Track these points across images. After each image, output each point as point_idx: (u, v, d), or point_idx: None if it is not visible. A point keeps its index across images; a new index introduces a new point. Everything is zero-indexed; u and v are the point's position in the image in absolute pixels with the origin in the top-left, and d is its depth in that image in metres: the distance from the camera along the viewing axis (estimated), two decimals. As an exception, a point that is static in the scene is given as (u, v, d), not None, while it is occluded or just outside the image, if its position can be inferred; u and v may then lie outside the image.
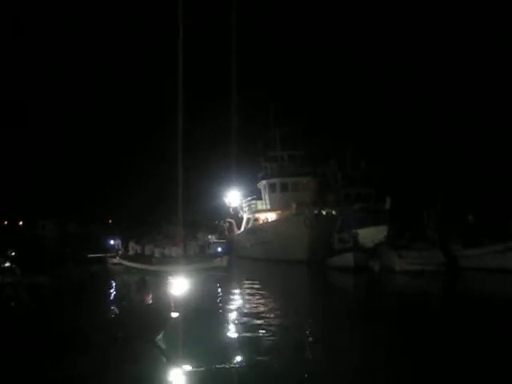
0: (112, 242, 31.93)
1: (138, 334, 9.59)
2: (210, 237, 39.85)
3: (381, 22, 60.07)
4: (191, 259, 24.88)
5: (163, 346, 9.69)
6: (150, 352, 9.36)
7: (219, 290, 18.92)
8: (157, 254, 26.13)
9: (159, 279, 11.42)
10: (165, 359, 9.10)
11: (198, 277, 12.18)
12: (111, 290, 11.45)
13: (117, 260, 28.84)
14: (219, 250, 27.71)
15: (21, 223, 67.61)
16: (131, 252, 28.28)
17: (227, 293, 17.99)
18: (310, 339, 11.42)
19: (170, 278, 11.74)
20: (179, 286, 10.45)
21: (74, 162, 63.87)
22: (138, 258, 27.06)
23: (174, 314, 10.10)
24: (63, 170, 63.02)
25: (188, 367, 8.50)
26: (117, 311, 10.57)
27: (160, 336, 9.98)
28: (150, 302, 10.47)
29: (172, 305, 10.09)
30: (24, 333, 9.43)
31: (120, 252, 29.40)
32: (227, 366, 8.70)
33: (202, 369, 8.42)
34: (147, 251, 26.91)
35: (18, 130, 67.06)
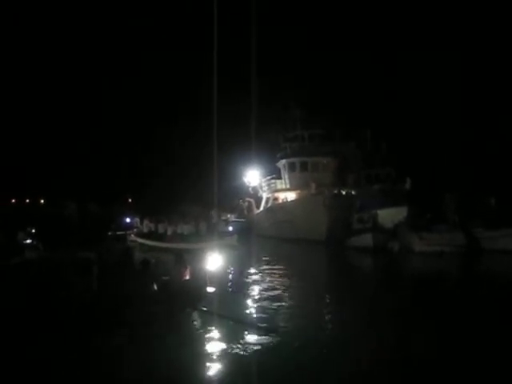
0: (128, 220, 32.53)
1: (178, 307, 10.04)
2: (229, 215, 40.39)
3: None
4: (202, 237, 25.15)
5: (201, 318, 10.06)
6: (189, 324, 9.75)
7: (240, 267, 19.13)
8: (169, 232, 26.46)
9: (180, 256, 11.68)
10: (202, 331, 9.42)
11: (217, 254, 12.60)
12: (148, 266, 11.83)
13: (133, 237, 29.36)
14: (230, 228, 27.92)
15: (42, 202, 68.82)
16: (145, 230, 28.72)
17: (247, 271, 18.19)
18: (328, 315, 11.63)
19: (205, 254, 12.13)
20: (214, 262, 10.84)
21: (96, 142, 64.60)
22: (150, 235, 27.48)
23: (211, 289, 10.61)
24: (86, 151, 63.82)
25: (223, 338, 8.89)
26: (156, 286, 10.99)
27: (198, 309, 10.39)
28: (188, 277, 10.90)
29: (208, 280, 10.57)
30: (79, 306, 9.91)
31: (135, 230, 29.91)
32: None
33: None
34: (160, 229, 27.29)
35: (42, 113, 67.92)
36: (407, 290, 14.70)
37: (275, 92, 40.33)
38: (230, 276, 16.95)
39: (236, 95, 36.69)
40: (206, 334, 9.24)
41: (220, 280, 11.19)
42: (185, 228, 26.14)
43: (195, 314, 10.29)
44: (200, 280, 10.99)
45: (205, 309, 10.35)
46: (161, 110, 65.14)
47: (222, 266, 10.97)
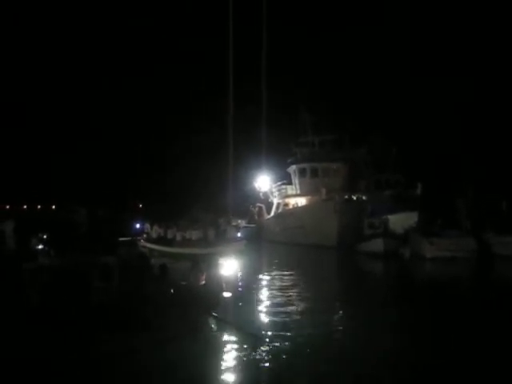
0: (138, 225, 32.78)
1: (195, 311, 10.23)
2: (240, 221, 40.54)
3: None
4: (210, 243, 25.34)
5: (218, 322, 10.24)
6: (206, 328, 9.94)
7: (252, 273, 19.24)
8: (178, 238, 26.65)
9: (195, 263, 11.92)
10: (219, 335, 9.62)
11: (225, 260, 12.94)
12: (166, 271, 12.09)
13: (142, 243, 29.58)
14: (238, 234, 28.07)
15: (53, 207, 69.53)
16: (155, 235, 28.95)
17: (258, 276, 18.29)
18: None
19: (214, 260, 12.39)
20: (229, 267, 11.05)
21: (107, 148, 65.16)
22: (159, 240, 27.68)
23: (227, 294, 10.82)
24: (97, 157, 64.40)
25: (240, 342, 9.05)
26: (173, 290, 11.24)
27: (215, 313, 10.54)
28: (204, 282, 11.13)
29: (224, 285, 10.78)
30: (99, 308, 10.14)
31: (145, 235, 30.16)
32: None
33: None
34: (169, 235, 27.47)
35: (51, 118, 68.66)
36: (418, 296, 14.72)
37: (286, 97, 40.59)
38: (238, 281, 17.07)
39: (246, 102, 36.94)
40: (221, 339, 9.37)
41: (234, 285, 11.38)
42: (193, 234, 26.31)
43: (211, 319, 10.46)
44: (216, 285, 11.21)
45: (218, 315, 10.49)
46: (173, 116, 65.53)
47: (236, 272, 11.12)
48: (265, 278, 17.84)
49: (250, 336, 9.34)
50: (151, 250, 27.42)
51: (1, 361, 7.76)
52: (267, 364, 7.94)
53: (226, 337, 9.46)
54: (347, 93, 46.31)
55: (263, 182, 41.81)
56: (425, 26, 57.76)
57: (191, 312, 10.16)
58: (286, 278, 18.00)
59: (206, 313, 10.53)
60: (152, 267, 12.98)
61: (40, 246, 20.65)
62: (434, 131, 42.72)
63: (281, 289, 15.62)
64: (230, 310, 10.71)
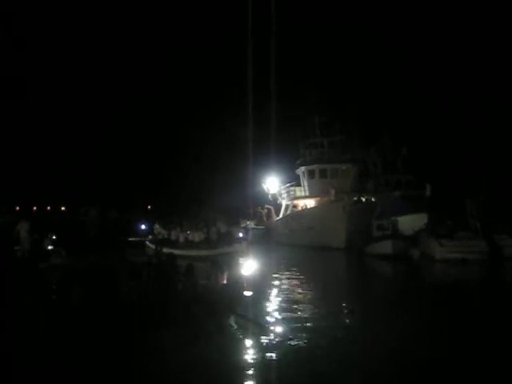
0: (143, 227, 33.01)
1: (217, 310, 10.44)
2: (248, 222, 40.54)
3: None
4: (213, 244, 25.39)
5: (241, 320, 10.39)
6: (227, 327, 10.09)
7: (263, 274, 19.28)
8: (181, 239, 26.78)
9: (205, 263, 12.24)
10: (242, 332, 9.79)
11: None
12: (192, 271, 12.38)
13: (147, 244, 29.79)
14: (240, 235, 28.15)
15: (63, 209, 70.17)
16: (159, 236, 29.15)
17: (269, 276, 18.23)
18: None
19: (240, 260, 12.85)
20: (249, 267, 11.24)
21: (116, 152, 65.64)
22: (163, 242, 27.84)
23: (248, 293, 10.98)
24: (108, 160, 64.91)
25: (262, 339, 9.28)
26: (195, 289, 11.47)
27: (236, 312, 10.74)
28: (225, 281, 11.27)
29: (245, 284, 10.98)
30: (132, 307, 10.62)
31: (150, 236, 30.36)
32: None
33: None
34: (173, 236, 27.63)
35: (64, 121, 69.34)
36: (426, 297, 14.58)
37: (296, 98, 40.47)
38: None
39: (255, 102, 36.86)
40: (244, 336, 9.54)
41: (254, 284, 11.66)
42: (196, 235, 26.46)
43: (232, 318, 10.55)
44: (237, 284, 11.37)
45: (240, 313, 10.63)
46: (185, 119, 65.86)
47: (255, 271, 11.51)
48: (276, 279, 17.79)
49: (272, 333, 9.60)
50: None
51: (47, 359, 8.04)
52: (288, 361, 8.14)
53: (248, 334, 9.64)
54: (356, 93, 46.23)
55: (272, 183, 41.73)
56: (434, 26, 57.40)
57: (215, 310, 10.35)
58: (295, 278, 17.99)
59: (230, 311, 10.73)
60: (178, 267, 13.17)
61: (50, 247, 20.99)
62: (444, 132, 42.43)
63: (292, 290, 15.67)
64: (251, 308, 11.01)
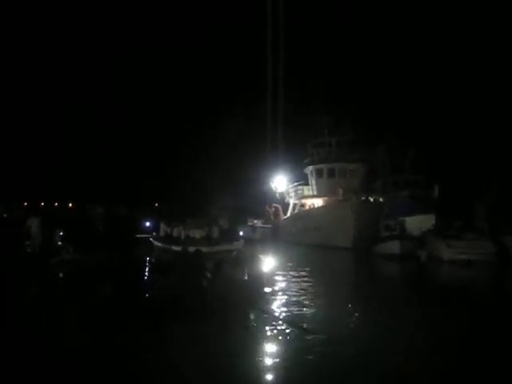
0: (148, 224, 33.36)
1: (237, 305, 10.76)
2: (256, 221, 40.69)
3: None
4: (213, 241, 25.62)
5: (261, 315, 10.70)
6: (246, 321, 10.35)
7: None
8: (183, 236, 27.03)
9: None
10: (258, 328, 9.98)
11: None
12: (221, 268, 12.70)
13: (151, 241, 30.10)
14: (241, 233, 28.39)
15: (70, 205, 70.59)
16: (162, 233, 29.45)
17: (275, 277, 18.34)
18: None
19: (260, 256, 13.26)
20: (268, 263, 11.51)
21: (125, 150, 65.95)
22: (166, 239, 28.14)
23: (267, 289, 11.23)
24: (115, 157, 65.23)
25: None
26: (216, 285, 11.75)
27: (256, 308, 11.04)
28: (246, 277, 11.53)
29: (264, 280, 11.24)
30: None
31: (154, 233, 30.69)
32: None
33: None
34: (175, 233, 27.89)
35: (69, 118, 69.75)
36: (434, 297, 14.63)
37: (304, 97, 40.50)
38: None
39: (262, 101, 37.02)
40: (261, 333, 9.70)
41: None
42: (197, 232, 26.72)
43: (252, 313, 10.77)
44: (257, 280, 11.58)
45: (260, 308, 10.83)
46: (192, 117, 66.00)
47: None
48: (284, 277, 17.89)
49: (293, 327, 9.80)
50: (159, 247, 28.04)
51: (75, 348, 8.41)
52: (308, 355, 8.32)
53: (268, 328, 9.87)
54: (364, 93, 46.07)
55: (280, 182, 41.84)
56: (441, 25, 57.13)
57: (237, 306, 10.64)
58: (303, 277, 17.99)
59: (250, 306, 10.99)
60: (206, 263, 13.43)
61: (59, 243, 21.32)
62: (453, 132, 42.27)
63: (295, 291, 15.65)
64: (271, 303, 11.39)
